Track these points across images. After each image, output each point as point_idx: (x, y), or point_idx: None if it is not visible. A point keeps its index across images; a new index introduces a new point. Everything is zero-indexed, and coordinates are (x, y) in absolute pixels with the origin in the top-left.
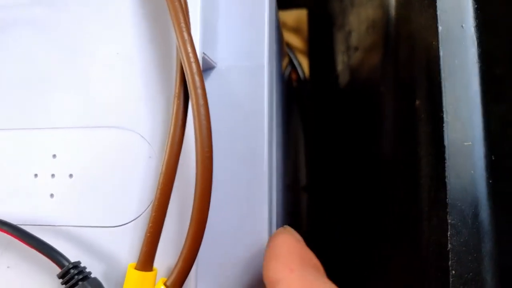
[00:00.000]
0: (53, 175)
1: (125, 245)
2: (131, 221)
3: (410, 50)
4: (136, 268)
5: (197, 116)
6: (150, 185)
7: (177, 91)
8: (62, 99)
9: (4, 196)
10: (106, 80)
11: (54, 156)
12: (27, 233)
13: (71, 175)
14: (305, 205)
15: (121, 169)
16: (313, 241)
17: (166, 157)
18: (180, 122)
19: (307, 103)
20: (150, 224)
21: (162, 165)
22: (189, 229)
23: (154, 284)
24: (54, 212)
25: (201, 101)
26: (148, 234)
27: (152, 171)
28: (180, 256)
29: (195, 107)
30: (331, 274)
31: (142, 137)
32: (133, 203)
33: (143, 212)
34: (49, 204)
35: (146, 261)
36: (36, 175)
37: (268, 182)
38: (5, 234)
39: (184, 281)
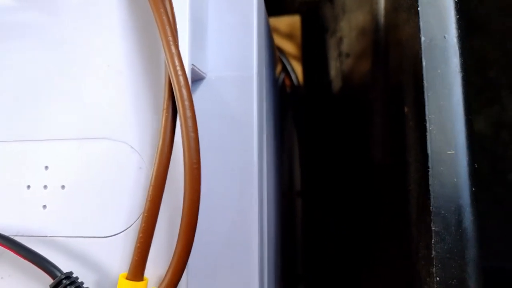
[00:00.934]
0: (45, 187)
1: (117, 255)
2: (122, 231)
3: (398, 58)
4: (127, 278)
5: (184, 128)
6: (140, 196)
7: (165, 103)
8: (54, 112)
9: None
10: (97, 92)
11: (46, 167)
12: (19, 244)
13: (63, 186)
14: (300, 210)
15: (112, 180)
16: (308, 244)
17: (156, 168)
18: (168, 134)
19: (301, 109)
20: (140, 235)
21: (152, 177)
22: (178, 239)
23: None
24: (47, 223)
25: (189, 113)
26: (139, 244)
27: (142, 182)
28: (170, 266)
29: (182, 119)
30: (327, 277)
31: (133, 148)
32: (124, 214)
33: (133, 223)
34: (42, 215)
35: (136, 271)
36: (28, 187)
37: (259, 190)
38: None
39: (176, 283)
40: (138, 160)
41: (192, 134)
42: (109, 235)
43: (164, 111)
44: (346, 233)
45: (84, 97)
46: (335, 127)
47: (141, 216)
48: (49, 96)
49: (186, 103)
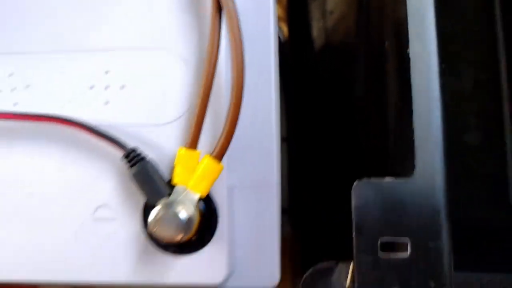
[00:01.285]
0: (106, 87)
1: (172, 139)
2: (176, 119)
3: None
4: (185, 147)
5: (231, 32)
6: (189, 92)
7: (213, 12)
8: (111, 24)
9: (63, 104)
10: (148, 7)
11: (107, 72)
12: (90, 124)
13: (122, 86)
14: (285, 153)
15: (165, 80)
16: (292, 182)
17: (208, 58)
18: (216, 38)
19: (286, 61)
20: (198, 108)
21: (205, 67)
22: (227, 116)
23: (199, 161)
24: (109, 116)
25: (235, 21)
26: (195, 119)
27: (190, 81)
28: (221, 135)
29: (229, 24)
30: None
31: (182, 56)
32: (176, 106)
33: (185, 112)
34: (104, 109)
35: (193, 142)
36: (91, 87)
37: (275, 103)
38: (70, 127)
39: (224, 154)
40: (187, 64)
41: (237, 31)
42: (165, 122)
43: (212, 17)
44: (330, 170)
45: (136, 11)
46: (318, 76)
47: (195, 103)
48: (108, 10)
49: (233, 13)
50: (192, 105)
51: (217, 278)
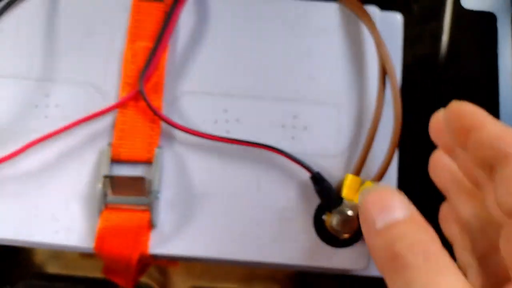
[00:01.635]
0: (293, 127)
1: (337, 165)
2: (340, 153)
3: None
4: (352, 173)
5: (393, 89)
6: (348, 134)
7: (380, 75)
8: (300, 82)
9: (261, 136)
10: (326, 75)
11: (295, 116)
12: (289, 152)
13: (305, 127)
14: None
15: (333, 125)
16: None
17: (375, 113)
18: (382, 95)
19: None
20: (363, 149)
21: (372, 120)
22: (387, 153)
23: (360, 185)
24: (294, 148)
25: (395, 82)
26: (361, 155)
27: (349, 127)
28: (381, 167)
29: (391, 83)
30: None
31: (344, 109)
32: (340, 143)
33: (346, 148)
34: (291, 143)
35: (358, 170)
36: (283, 126)
37: None
38: (272, 153)
39: (381, 179)
40: (349, 114)
41: (397, 91)
42: (333, 154)
43: (379, 84)
44: None
45: (318, 74)
46: None
47: (366, 136)
48: (300, 74)
49: (394, 77)
50: (350, 144)
51: (361, 265)
